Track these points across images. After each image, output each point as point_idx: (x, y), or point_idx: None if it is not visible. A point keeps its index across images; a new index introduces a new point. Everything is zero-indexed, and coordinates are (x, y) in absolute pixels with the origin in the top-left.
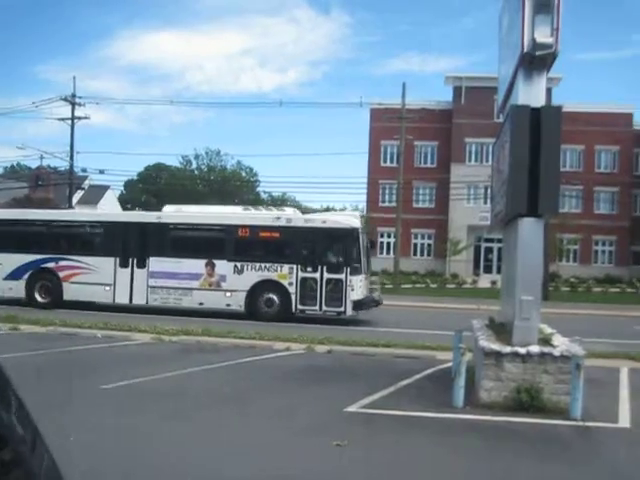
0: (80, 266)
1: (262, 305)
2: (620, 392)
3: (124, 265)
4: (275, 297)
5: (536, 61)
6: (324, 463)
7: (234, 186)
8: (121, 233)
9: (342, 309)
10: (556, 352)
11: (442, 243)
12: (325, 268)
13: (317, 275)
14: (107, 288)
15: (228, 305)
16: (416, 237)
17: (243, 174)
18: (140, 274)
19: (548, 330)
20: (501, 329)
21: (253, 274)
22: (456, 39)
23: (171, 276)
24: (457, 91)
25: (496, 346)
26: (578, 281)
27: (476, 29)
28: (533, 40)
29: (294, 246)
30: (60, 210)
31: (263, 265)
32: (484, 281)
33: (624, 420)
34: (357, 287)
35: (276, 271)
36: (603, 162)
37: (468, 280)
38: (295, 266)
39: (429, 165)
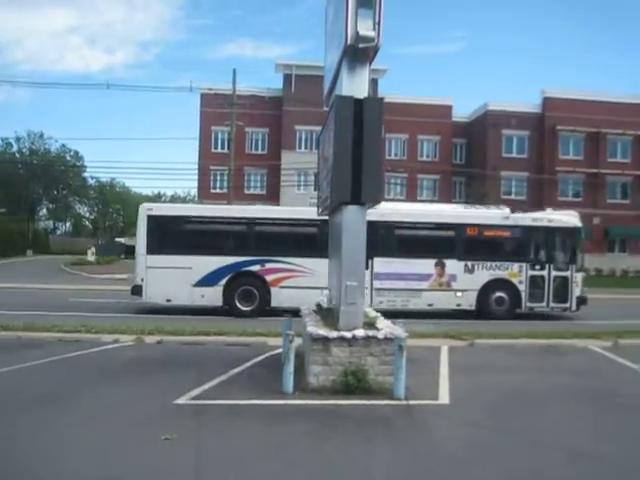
0: (290, 269)
1: (492, 304)
2: (440, 370)
3: None
4: (505, 295)
5: (359, 53)
6: (153, 458)
7: (58, 171)
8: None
9: (568, 305)
10: (380, 335)
11: None
12: (552, 266)
13: (545, 273)
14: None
15: (458, 305)
16: None
17: (68, 158)
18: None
19: (373, 313)
20: (328, 314)
21: (484, 273)
22: (289, 26)
23: (397, 277)
24: (287, 79)
25: (323, 331)
26: None
27: (309, 17)
28: (356, 33)
29: (523, 244)
30: (264, 206)
31: (494, 264)
32: None
33: (444, 397)
34: (580, 284)
35: (507, 270)
36: (425, 151)
37: None
38: (524, 264)
39: (260, 152)
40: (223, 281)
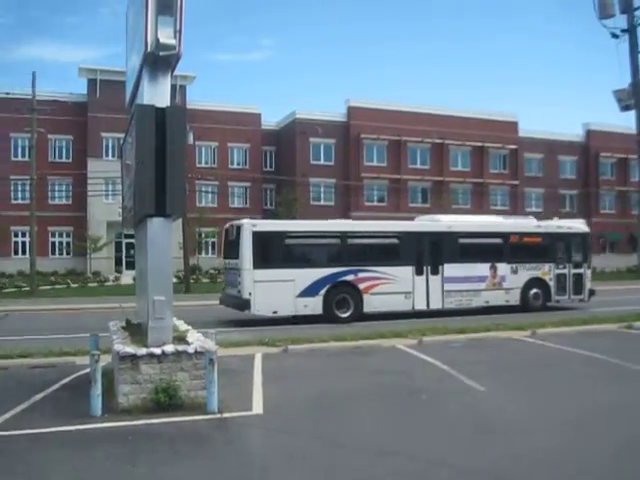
0: (379, 277)
1: (531, 299)
2: (254, 379)
3: (419, 273)
4: (540, 291)
5: (160, 61)
6: None
7: None
8: (415, 242)
9: (582, 296)
10: (190, 349)
11: (81, 241)
12: (571, 265)
13: (566, 271)
14: (407, 296)
15: (507, 301)
16: (54, 235)
17: None
18: (434, 280)
19: (183, 327)
20: (137, 330)
21: (525, 273)
22: (94, 29)
23: (463, 280)
24: (92, 84)
25: (131, 349)
26: (217, 272)
27: (115, 20)
28: (156, 40)
29: (550, 248)
30: (355, 221)
31: (531, 265)
32: (127, 278)
33: (257, 407)
34: (589, 279)
35: (540, 270)
36: (236, 159)
37: (111, 277)
38: (552, 264)
39: (65, 160)
40: (323, 291)
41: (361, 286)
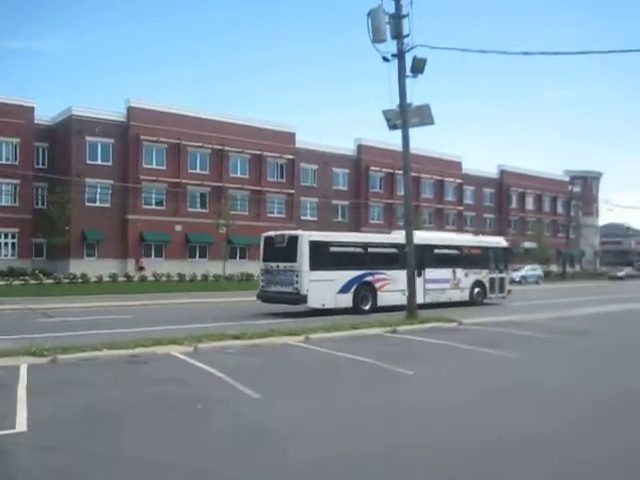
0: (386, 278)
1: (475, 295)
2: (19, 393)
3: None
4: (481, 290)
5: None
6: None
7: None
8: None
9: (504, 295)
10: None
11: None
12: (498, 270)
13: (495, 275)
14: (403, 293)
15: (462, 298)
16: None
17: None
18: (419, 281)
19: None
20: None
21: (472, 277)
22: None
23: (436, 281)
24: None
25: None
26: None
27: None
28: None
29: (486, 257)
30: (370, 234)
31: (475, 271)
32: None
33: (21, 424)
34: (509, 282)
35: (480, 274)
36: (4, 154)
37: None
38: (487, 270)
39: None
40: (353, 289)
41: (376, 285)
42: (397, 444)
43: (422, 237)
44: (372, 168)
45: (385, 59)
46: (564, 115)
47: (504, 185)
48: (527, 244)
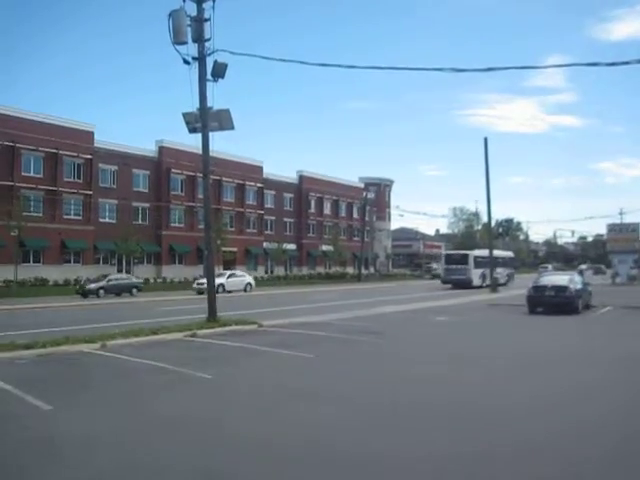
0: (496, 273)
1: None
2: None
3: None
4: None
5: None
6: None
7: None
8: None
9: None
10: None
11: None
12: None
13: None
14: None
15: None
16: None
17: None
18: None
19: None
20: None
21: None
22: None
23: (496, 273)
24: None
25: None
26: None
27: None
28: None
29: (505, 263)
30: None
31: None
32: None
33: None
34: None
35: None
36: None
37: None
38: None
39: None
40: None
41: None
42: (181, 453)
43: (495, 253)
44: (174, 170)
45: (186, 62)
46: (363, 125)
47: (303, 190)
48: (325, 247)
